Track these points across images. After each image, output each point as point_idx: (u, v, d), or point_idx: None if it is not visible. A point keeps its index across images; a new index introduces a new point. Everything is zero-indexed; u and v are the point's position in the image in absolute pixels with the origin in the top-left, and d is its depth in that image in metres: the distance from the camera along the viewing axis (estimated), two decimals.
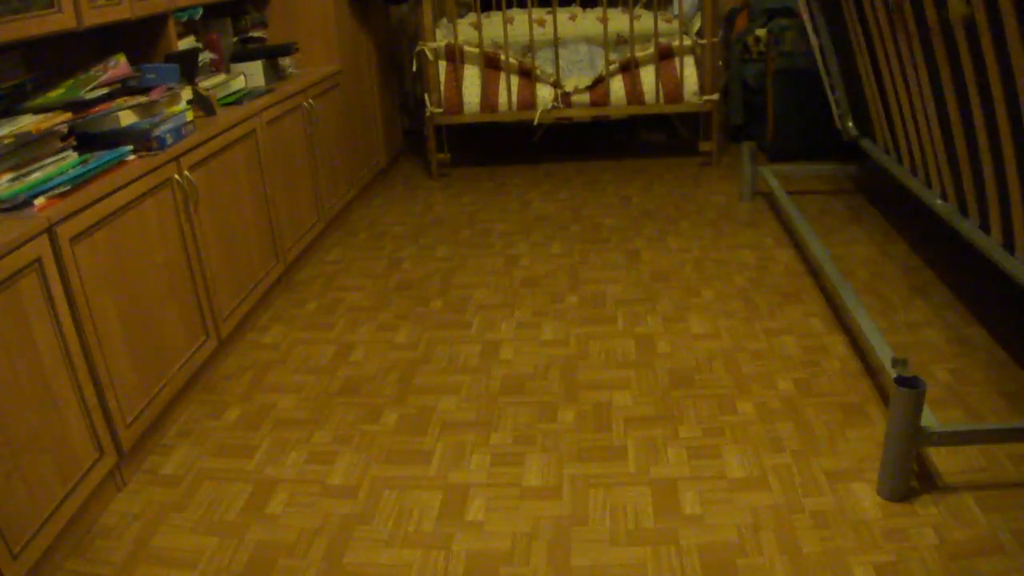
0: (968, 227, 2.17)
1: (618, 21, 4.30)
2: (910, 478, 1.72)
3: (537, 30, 4.27)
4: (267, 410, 2.18)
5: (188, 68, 2.39)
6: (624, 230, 3.33)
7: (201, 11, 2.66)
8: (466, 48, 4.00)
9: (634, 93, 3.97)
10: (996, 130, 1.84)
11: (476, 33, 4.19)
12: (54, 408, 1.62)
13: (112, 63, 2.09)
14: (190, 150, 2.18)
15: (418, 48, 4.01)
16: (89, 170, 1.83)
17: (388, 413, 2.14)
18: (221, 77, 2.70)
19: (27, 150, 1.73)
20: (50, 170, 1.76)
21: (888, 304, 2.54)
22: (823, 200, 3.54)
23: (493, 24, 4.44)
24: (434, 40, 3.98)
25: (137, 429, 1.91)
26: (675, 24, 4.15)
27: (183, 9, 2.54)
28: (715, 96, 3.94)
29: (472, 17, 4.61)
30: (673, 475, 1.83)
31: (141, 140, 2.04)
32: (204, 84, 2.57)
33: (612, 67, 3.96)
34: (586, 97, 3.98)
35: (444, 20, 4.48)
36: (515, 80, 3.99)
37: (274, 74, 3.11)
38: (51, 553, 1.63)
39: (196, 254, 2.22)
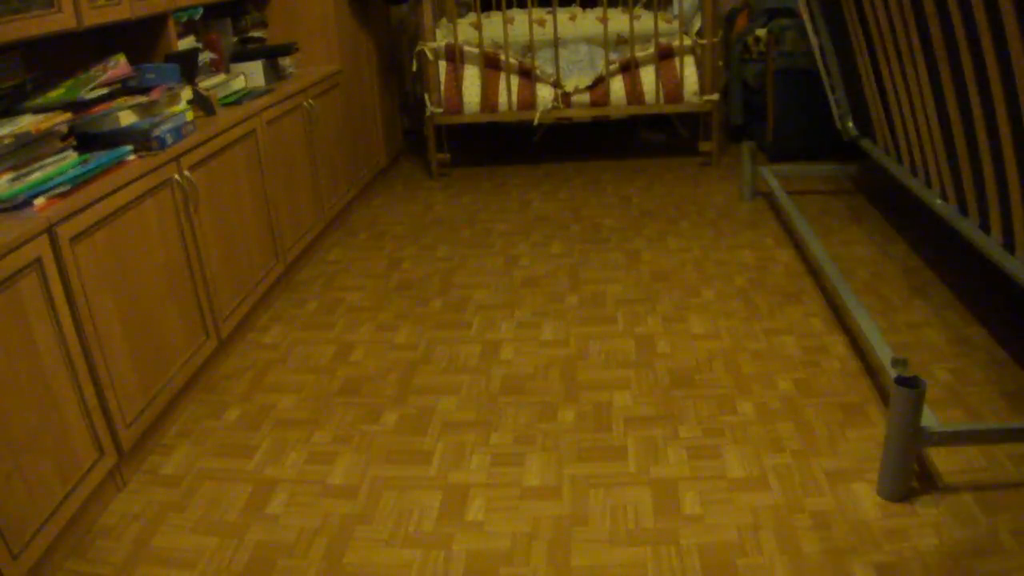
0: (968, 227, 2.17)
1: (618, 21, 4.30)
2: (910, 478, 1.72)
3: (537, 30, 4.27)
4: (267, 410, 2.18)
5: (188, 68, 2.39)
6: (624, 230, 3.32)
7: (201, 11, 2.66)
8: (466, 48, 4.00)
9: (634, 93, 3.97)
10: (996, 130, 1.84)
11: (476, 33, 4.19)
12: (54, 408, 1.62)
13: (112, 63, 2.09)
14: (190, 150, 2.19)
15: (418, 48, 4.01)
16: (89, 170, 1.83)
17: (388, 413, 2.14)
18: (221, 77, 2.71)
19: (27, 150, 1.73)
20: (50, 170, 1.76)
21: (888, 304, 2.54)
22: (823, 200, 3.54)
23: (493, 24, 4.44)
24: (434, 40, 3.97)
25: (137, 429, 1.91)
26: (675, 24, 4.15)
27: (183, 9, 2.54)
28: (715, 96, 3.94)
29: (472, 17, 4.61)
30: (673, 475, 1.83)
31: (141, 140, 2.04)
32: (204, 84, 2.57)
33: (612, 67, 3.96)
34: (586, 97, 3.98)
35: (444, 20, 4.48)
36: (515, 80, 3.99)
37: (274, 74, 3.11)
38: (51, 553, 1.63)
39: (196, 254, 2.22)
